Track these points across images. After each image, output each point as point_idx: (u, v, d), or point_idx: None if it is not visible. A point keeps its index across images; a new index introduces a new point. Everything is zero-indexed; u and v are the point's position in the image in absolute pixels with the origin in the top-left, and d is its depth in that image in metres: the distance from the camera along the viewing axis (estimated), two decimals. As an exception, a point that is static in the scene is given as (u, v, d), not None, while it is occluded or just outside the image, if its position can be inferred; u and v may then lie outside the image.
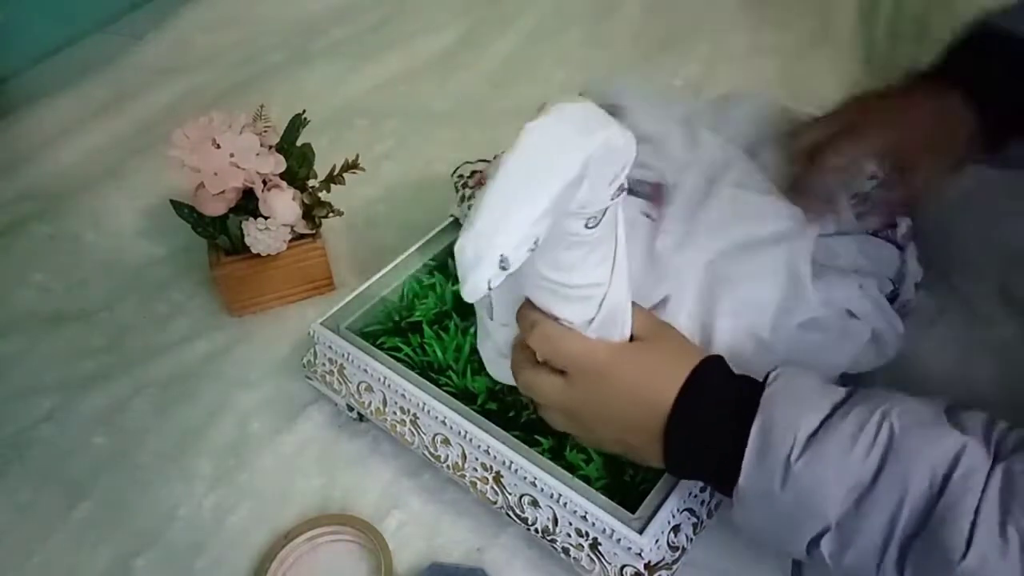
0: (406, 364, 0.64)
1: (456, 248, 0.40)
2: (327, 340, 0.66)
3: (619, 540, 0.52)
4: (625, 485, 0.57)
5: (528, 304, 0.50)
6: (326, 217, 0.77)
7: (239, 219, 0.74)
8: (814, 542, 0.44)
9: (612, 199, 0.43)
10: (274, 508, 0.65)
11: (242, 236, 0.75)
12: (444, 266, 0.73)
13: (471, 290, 0.40)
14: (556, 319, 0.49)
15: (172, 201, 0.78)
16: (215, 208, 0.74)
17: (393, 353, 0.65)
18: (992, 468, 0.40)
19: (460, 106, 1.06)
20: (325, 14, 1.25)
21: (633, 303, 0.51)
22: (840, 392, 0.46)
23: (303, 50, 1.19)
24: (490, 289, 0.40)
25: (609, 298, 0.48)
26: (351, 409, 0.69)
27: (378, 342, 0.67)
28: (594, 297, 0.48)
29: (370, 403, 0.65)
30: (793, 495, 0.43)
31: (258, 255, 0.76)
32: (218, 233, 0.77)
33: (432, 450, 0.61)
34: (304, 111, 0.79)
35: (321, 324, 0.67)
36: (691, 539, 0.55)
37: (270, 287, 0.80)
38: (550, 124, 0.40)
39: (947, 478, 0.40)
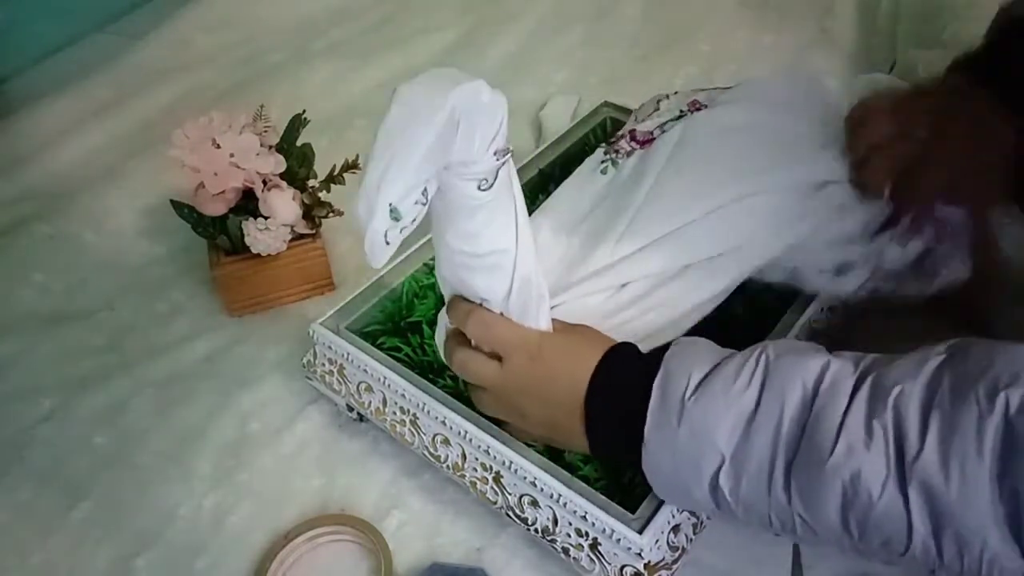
0: (406, 364, 0.64)
1: (352, 209, 0.44)
2: (327, 340, 0.66)
3: (619, 540, 0.52)
4: (624, 486, 0.57)
5: (458, 297, 0.54)
6: (326, 217, 0.77)
7: (239, 219, 0.74)
8: (714, 481, 0.46)
9: (497, 160, 0.47)
10: (274, 508, 0.65)
11: (242, 236, 0.75)
12: None
13: (371, 246, 0.44)
14: (477, 299, 0.53)
15: (172, 201, 0.78)
16: (215, 208, 0.74)
17: (393, 353, 0.65)
18: (859, 378, 0.43)
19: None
20: (325, 14, 1.25)
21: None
22: (732, 351, 0.49)
23: (303, 50, 1.19)
24: (387, 243, 0.44)
25: (519, 267, 0.51)
26: (351, 409, 0.69)
27: (378, 342, 0.67)
28: (504, 266, 0.51)
29: (370, 403, 0.65)
30: (688, 431, 0.46)
31: (258, 255, 0.76)
32: (218, 233, 0.77)
33: (432, 450, 0.61)
34: (304, 111, 0.79)
35: (321, 324, 0.67)
36: (691, 539, 0.55)
37: (270, 287, 0.80)
38: (419, 83, 0.44)
39: (816, 390, 0.43)
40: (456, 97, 0.43)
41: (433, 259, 0.72)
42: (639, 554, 0.52)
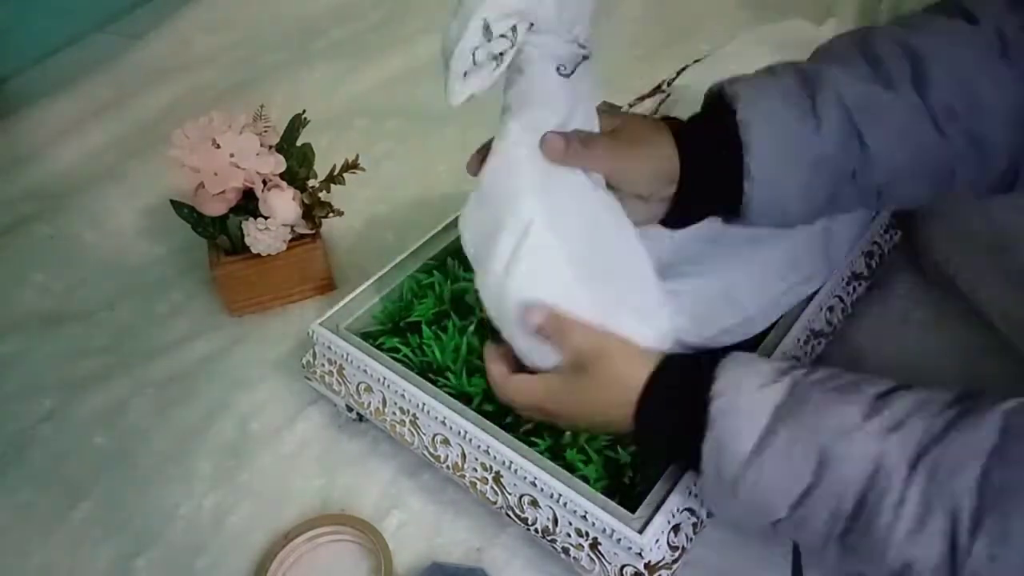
0: (405, 364, 0.64)
1: (441, 37, 0.46)
2: (326, 341, 0.66)
3: (619, 540, 0.52)
4: (624, 486, 0.57)
5: (531, 312, 0.51)
6: (326, 217, 0.77)
7: (239, 219, 0.74)
8: (772, 528, 0.47)
9: (578, 48, 0.49)
10: (274, 508, 0.65)
11: (242, 236, 0.75)
12: (443, 265, 0.73)
13: (456, 65, 0.46)
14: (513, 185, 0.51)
15: (172, 201, 0.78)
16: (215, 208, 0.74)
17: (392, 354, 0.65)
18: (916, 456, 0.42)
19: (460, 106, 1.06)
20: (325, 14, 1.25)
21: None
22: (778, 390, 0.47)
23: (303, 50, 1.19)
24: (474, 65, 0.46)
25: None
26: (350, 410, 0.69)
27: (377, 342, 0.67)
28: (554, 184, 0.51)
29: (369, 403, 0.65)
30: (744, 503, 0.47)
31: (258, 255, 0.76)
32: (218, 233, 0.77)
33: (432, 450, 0.61)
34: (304, 111, 0.79)
35: (320, 325, 0.67)
36: (691, 539, 0.55)
37: (270, 287, 0.80)
38: None
39: (874, 473, 0.43)
40: None
41: (433, 259, 0.73)
42: (639, 554, 0.52)
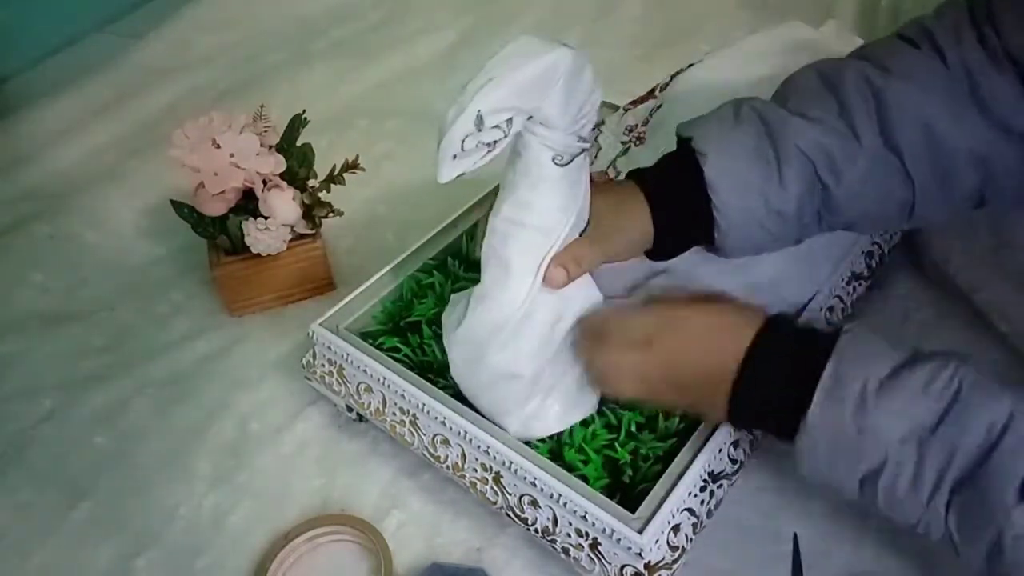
0: (405, 364, 0.64)
1: (440, 120, 0.47)
2: (326, 341, 0.66)
3: (619, 540, 0.52)
4: (624, 485, 0.57)
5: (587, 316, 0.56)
6: (326, 217, 0.77)
7: (239, 219, 0.74)
8: (869, 478, 0.46)
9: (577, 141, 0.50)
10: (274, 508, 0.65)
11: (242, 236, 0.75)
12: (443, 265, 0.73)
13: (445, 149, 0.46)
14: (500, 271, 0.54)
15: (172, 201, 0.78)
16: (215, 208, 0.74)
17: (392, 354, 0.65)
18: None
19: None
20: (325, 14, 1.25)
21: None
22: (908, 350, 0.48)
23: (303, 50, 1.19)
24: (462, 150, 0.46)
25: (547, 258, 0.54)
26: (350, 410, 0.69)
27: (377, 342, 0.67)
28: (538, 248, 0.53)
29: (369, 404, 0.65)
30: (859, 424, 0.45)
31: (258, 255, 0.76)
32: (218, 233, 0.77)
33: (432, 450, 0.61)
34: (304, 111, 0.79)
35: (320, 325, 0.67)
36: (691, 539, 0.55)
37: (270, 287, 0.80)
38: (536, 36, 0.48)
39: (1000, 437, 0.43)
40: (566, 55, 0.47)
41: (433, 259, 0.73)
42: (639, 554, 0.52)
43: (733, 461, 0.58)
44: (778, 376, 0.49)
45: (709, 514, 0.56)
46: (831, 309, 0.67)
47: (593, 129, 0.54)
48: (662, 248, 0.58)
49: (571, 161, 0.51)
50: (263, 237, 0.74)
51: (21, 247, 0.90)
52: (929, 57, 0.52)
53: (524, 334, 0.55)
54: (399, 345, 0.66)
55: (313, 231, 0.78)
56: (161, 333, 0.81)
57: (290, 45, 1.19)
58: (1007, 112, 0.50)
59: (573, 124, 0.50)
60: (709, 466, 0.56)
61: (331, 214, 0.77)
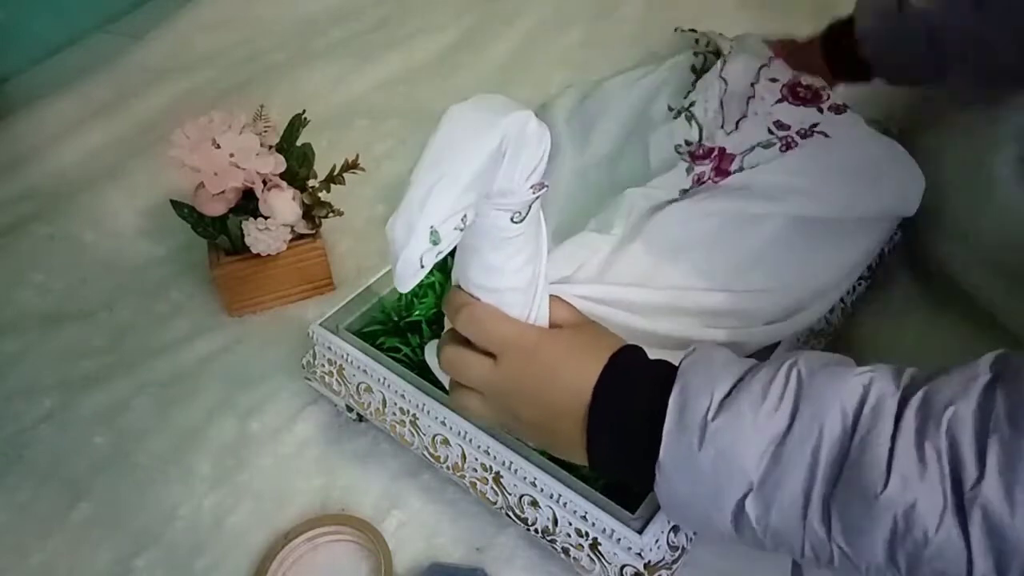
0: (405, 364, 0.64)
1: (387, 229, 0.42)
2: (326, 341, 0.66)
3: (619, 540, 0.52)
4: (624, 485, 0.57)
5: (457, 289, 0.51)
6: (326, 217, 0.77)
7: (239, 219, 0.74)
8: (739, 508, 0.43)
9: (533, 193, 0.46)
10: (274, 508, 0.65)
11: (242, 236, 0.75)
12: (444, 264, 0.73)
13: (404, 269, 0.42)
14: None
15: (172, 201, 0.78)
16: (215, 208, 0.74)
17: (392, 353, 0.65)
18: (903, 399, 0.40)
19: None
20: (325, 14, 1.25)
21: (557, 297, 0.53)
22: (753, 361, 0.46)
23: (303, 50, 1.19)
24: (422, 267, 0.42)
25: (535, 306, 0.50)
26: (350, 410, 0.69)
27: (377, 342, 0.67)
28: (517, 304, 0.50)
29: (369, 404, 0.65)
30: (712, 455, 0.42)
31: (258, 255, 0.76)
32: (218, 233, 0.77)
33: (432, 450, 0.61)
34: (304, 111, 0.79)
35: (320, 325, 0.67)
36: (691, 539, 0.55)
37: (270, 287, 0.80)
38: (470, 107, 0.43)
39: (858, 414, 0.40)
40: (507, 125, 0.42)
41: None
42: (639, 554, 0.52)
43: None
44: (632, 410, 0.47)
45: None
46: (831, 309, 0.67)
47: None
48: None
49: (528, 211, 0.47)
50: (263, 237, 0.74)
51: (21, 247, 0.90)
52: None
53: None
54: (399, 345, 0.66)
55: (313, 231, 0.78)
56: (161, 333, 0.81)
57: (290, 45, 1.19)
58: None
59: (527, 182, 0.45)
60: None
61: (331, 214, 0.77)
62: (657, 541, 0.52)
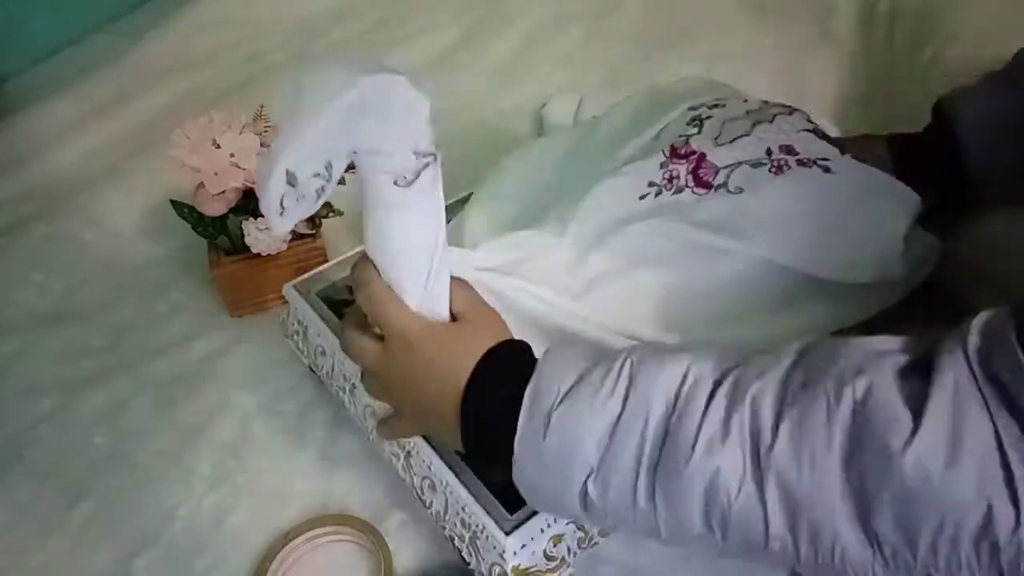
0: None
1: (257, 175, 0.45)
2: (295, 302, 0.69)
3: (488, 538, 0.53)
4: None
5: (365, 259, 0.52)
6: (326, 217, 0.77)
7: (239, 219, 0.74)
8: (584, 490, 0.45)
9: (417, 160, 0.47)
10: (274, 508, 0.65)
11: (242, 236, 0.75)
12: None
13: (267, 208, 0.44)
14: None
15: (172, 201, 0.78)
16: (215, 208, 0.74)
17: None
18: (718, 379, 0.43)
19: (460, 106, 1.06)
20: (325, 14, 1.25)
21: (461, 280, 0.54)
22: (607, 354, 0.47)
23: (303, 50, 1.18)
24: (282, 209, 0.44)
25: (431, 277, 0.51)
26: (312, 371, 0.71)
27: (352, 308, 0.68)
28: (413, 269, 0.51)
29: (323, 366, 0.67)
30: (555, 442, 0.45)
31: (258, 255, 0.76)
32: (218, 233, 0.77)
33: (362, 419, 0.63)
34: (304, 111, 0.78)
35: (293, 287, 0.69)
36: (574, 553, 0.55)
37: (270, 287, 0.80)
38: (330, 58, 0.46)
39: (678, 393, 0.43)
40: (366, 84, 0.44)
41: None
42: (502, 555, 0.52)
43: None
44: (498, 402, 0.48)
45: (604, 532, 0.56)
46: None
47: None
48: None
49: (416, 178, 0.48)
50: (263, 237, 0.74)
51: (21, 247, 0.90)
52: None
53: None
54: None
55: (313, 231, 0.78)
56: (161, 333, 0.81)
57: (290, 45, 1.19)
58: None
59: (402, 145, 0.47)
60: None
61: (331, 214, 0.77)
62: (524, 546, 0.52)
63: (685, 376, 0.43)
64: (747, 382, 0.42)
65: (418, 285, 0.51)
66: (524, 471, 0.47)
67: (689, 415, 0.42)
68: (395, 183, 0.48)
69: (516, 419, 0.46)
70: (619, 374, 0.45)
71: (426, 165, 0.48)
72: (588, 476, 0.44)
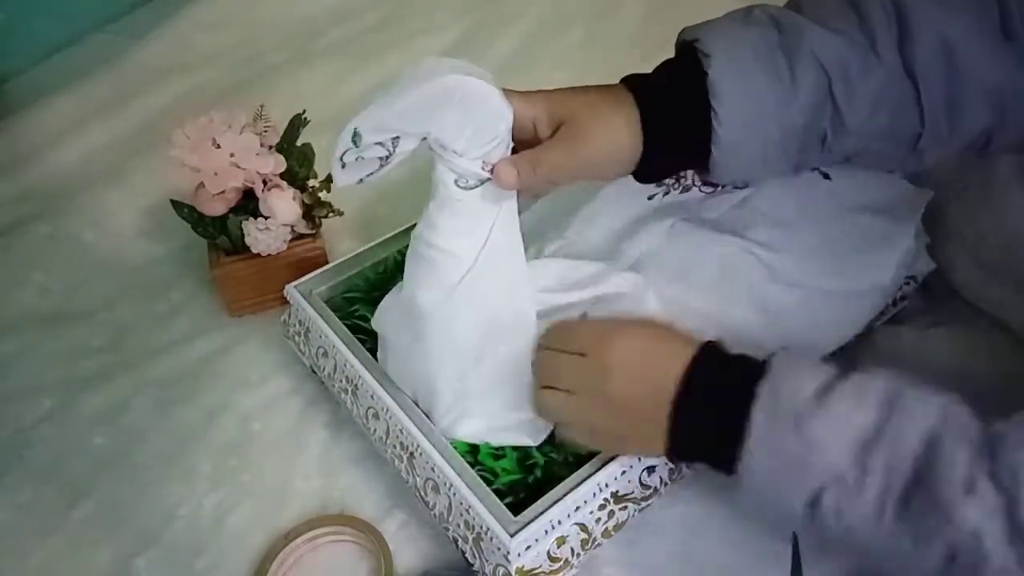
0: (371, 335, 0.65)
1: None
2: (297, 303, 0.69)
3: (493, 539, 0.53)
4: (523, 499, 0.56)
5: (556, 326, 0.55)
6: (326, 217, 0.77)
7: (239, 219, 0.74)
8: (816, 498, 0.44)
9: (482, 169, 0.50)
10: (274, 508, 0.65)
11: (242, 236, 0.75)
12: None
13: (334, 157, 0.49)
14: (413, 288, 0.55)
15: (172, 201, 0.78)
16: (215, 208, 0.74)
17: (361, 322, 0.67)
18: (980, 430, 0.42)
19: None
20: (325, 14, 1.25)
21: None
22: (835, 367, 0.47)
23: (303, 50, 1.18)
24: (342, 164, 0.50)
25: (469, 279, 0.53)
26: (314, 372, 0.71)
27: (351, 309, 0.69)
28: (446, 270, 0.53)
29: (324, 367, 0.67)
30: (801, 440, 0.44)
31: (258, 255, 0.76)
32: (218, 233, 0.77)
33: (365, 421, 0.64)
34: (304, 111, 0.79)
35: (295, 287, 0.69)
36: (579, 555, 0.55)
37: (270, 287, 0.80)
38: (438, 61, 0.48)
39: (938, 432, 0.42)
40: (460, 82, 0.46)
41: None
42: (507, 556, 0.52)
43: (645, 487, 0.58)
44: (713, 403, 0.48)
45: (607, 533, 0.56)
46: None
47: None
48: (647, 166, 0.53)
49: (478, 186, 0.50)
50: (263, 237, 0.74)
51: (21, 247, 0.90)
52: None
53: (443, 343, 0.56)
54: (368, 315, 0.67)
55: (313, 231, 0.78)
56: (161, 333, 0.81)
57: (290, 45, 1.19)
58: None
59: (473, 150, 0.49)
60: (609, 486, 0.55)
61: (331, 214, 0.77)
62: (528, 548, 0.52)
63: (944, 415, 0.43)
64: (1010, 444, 0.41)
65: (445, 284, 0.53)
66: (756, 462, 0.45)
67: (948, 459, 0.41)
68: (456, 182, 0.50)
69: (740, 411, 0.45)
70: (875, 393, 0.44)
71: (487, 178, 0.50)
72: (827, 486, 0.44)
